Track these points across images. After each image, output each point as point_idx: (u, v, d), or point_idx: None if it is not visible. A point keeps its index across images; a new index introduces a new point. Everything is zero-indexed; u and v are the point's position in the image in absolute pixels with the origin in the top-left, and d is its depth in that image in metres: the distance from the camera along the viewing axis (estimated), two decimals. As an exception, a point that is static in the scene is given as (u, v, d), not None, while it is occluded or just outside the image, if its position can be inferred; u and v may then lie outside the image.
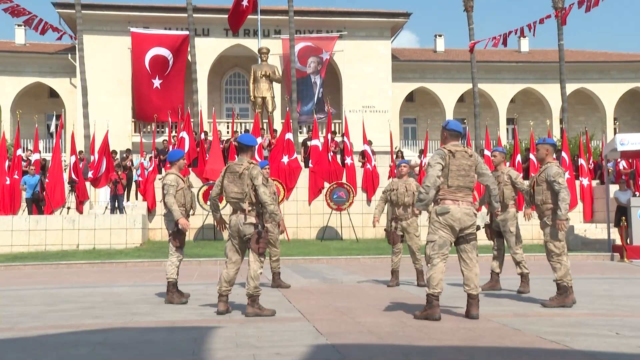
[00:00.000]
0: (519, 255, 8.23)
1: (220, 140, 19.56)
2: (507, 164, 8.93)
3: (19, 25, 34.09)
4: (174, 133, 22.69)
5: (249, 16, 25.30)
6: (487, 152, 19.65)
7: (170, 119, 23.09)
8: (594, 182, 20.47)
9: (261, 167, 8.89)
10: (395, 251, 9.22)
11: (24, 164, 18.98)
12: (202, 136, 20.26)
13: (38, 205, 17.93)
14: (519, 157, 20.20)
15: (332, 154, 19.15)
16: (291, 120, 20.88)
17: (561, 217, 6.75)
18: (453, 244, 6.07)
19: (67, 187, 18.38)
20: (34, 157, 19.53)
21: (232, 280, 6.46)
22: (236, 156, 6.70)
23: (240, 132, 25.86)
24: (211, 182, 17.22)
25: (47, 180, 18.18)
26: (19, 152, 18.73)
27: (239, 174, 6.32)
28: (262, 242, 6.26)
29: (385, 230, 9.46)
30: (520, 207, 18.11)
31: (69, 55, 32.18)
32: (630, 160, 19.77)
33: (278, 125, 25.88)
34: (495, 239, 8.56)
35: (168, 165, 8.90)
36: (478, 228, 6.17)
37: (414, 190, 8.92)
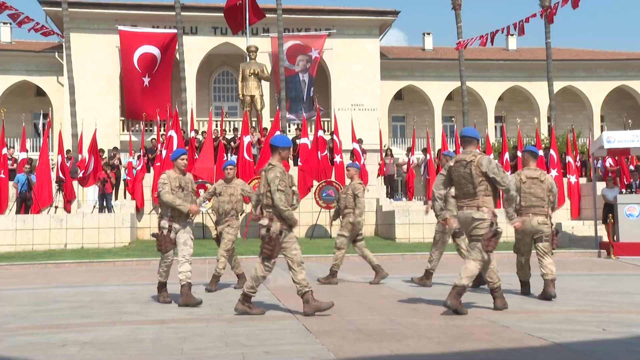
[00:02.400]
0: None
1: (215, 138, 19.52)
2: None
3: (4, 23, 33.76)
4: (162, 131, 22.60)
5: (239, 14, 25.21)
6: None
7: (158, 117, 23.00)
8: (582, 180, 20.62)
9: (226, 165, 8.62)
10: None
11: (9, 162, 18.83)
12: (192, 134, 20.19)
13: (25, 204, 17.80)
14: (507, 155, 20.30)
15: (324, 154, 19.08)
16: (280, 119, 20.86)
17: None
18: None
19: (54, 186, 18.25)
20: (21, 155, 19.38)
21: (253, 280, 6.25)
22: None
23: (229, 131, 25.77)
24: (200, 180, 17.15)
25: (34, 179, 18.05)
26: (4, 150, 18.56)
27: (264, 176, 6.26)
28: (266, 246, 6.12)
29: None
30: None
31: (56, 53, 31.88)
32: (616, 158, 19.92)
33: (267, 123, 25.84)
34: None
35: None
36: (495, 234, 6.25)
37: (356, 192, 9.20)
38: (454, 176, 6.39)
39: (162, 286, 7.40)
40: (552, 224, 7.49)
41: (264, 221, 6.18)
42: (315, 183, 18.50)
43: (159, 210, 7.41)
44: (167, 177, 7.26)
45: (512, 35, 34.18)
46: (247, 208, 11.35)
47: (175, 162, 7.37)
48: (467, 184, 6.26)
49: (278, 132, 18.02)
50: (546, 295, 7.12)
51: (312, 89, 32.28)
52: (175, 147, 18.52)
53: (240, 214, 8.87)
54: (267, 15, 30.78)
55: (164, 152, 18.55)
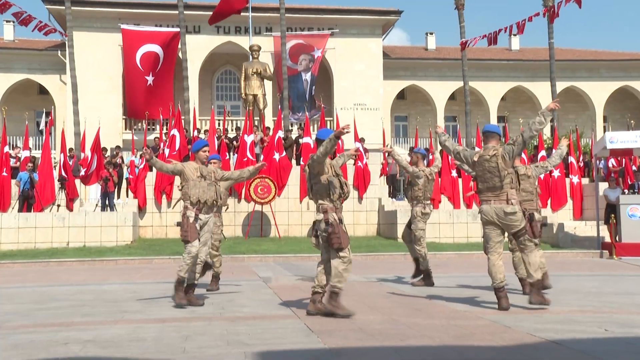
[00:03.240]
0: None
1: (217, 137, 19.51)
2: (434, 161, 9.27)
3: (7, 21, 33.77)
4: (165, 130, 22.63)
5: (242, 13, 25.24)
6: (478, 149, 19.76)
7: (161, 116, 23.02)
8: (584, 180, 20.60)
9: (210, 160, 8.46)
10: None
11: (12, 160, 18.85)
12: (195, 133, 20.18)
13: (27, 202, 17.84)
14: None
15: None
16: (283, 118, 20.85)
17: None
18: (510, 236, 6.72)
19: (57, 184, 18.27)
20: (24, 154, 19.40)
21: (321, 279, 6.14)
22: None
23: (231, 130, 25.79)
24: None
25: (37, 177, 18.08)
26: (6, 149, 18.58)
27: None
28: (333, 237, 5.91)
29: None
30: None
31: (59, 52, 31.94)
32: (619, 158, 19.90)
33: (270, 122, 25.87)
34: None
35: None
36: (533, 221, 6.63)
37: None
38: (478, 171, 6.48)
39: (180, 283, 6.83)
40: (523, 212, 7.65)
41: (319, 216, 6.08)
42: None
43: (184, 202, 7.01)
44: (185, 164, 7.11)
45: (514, 35, 34.13)
46: (242, 205, 11.27)
47: (197, 154, 7.18)
48: (493, 177, 6.37)
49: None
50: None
51: (313, 88, 32.28)
52: (177, 146, 18.55)
53: (226, 207, 8.78)
54: (270, 14, 30.83)
55: (166, 151, 18.56)
